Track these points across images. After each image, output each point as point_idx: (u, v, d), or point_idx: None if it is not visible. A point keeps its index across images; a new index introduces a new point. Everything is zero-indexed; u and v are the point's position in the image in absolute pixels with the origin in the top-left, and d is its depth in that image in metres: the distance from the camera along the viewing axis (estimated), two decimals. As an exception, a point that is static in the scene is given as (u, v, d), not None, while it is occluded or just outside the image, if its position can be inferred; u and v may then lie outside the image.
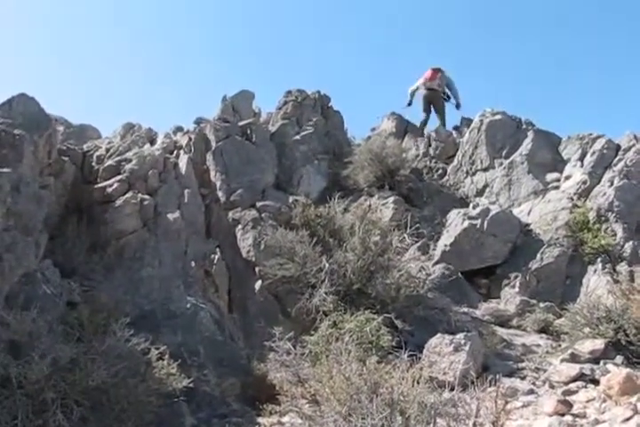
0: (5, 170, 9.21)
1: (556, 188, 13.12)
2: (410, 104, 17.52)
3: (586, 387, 7.85)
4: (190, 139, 13.74)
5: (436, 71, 17.05)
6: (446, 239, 12.40)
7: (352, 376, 6.13)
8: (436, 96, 17.07)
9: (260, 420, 7.85)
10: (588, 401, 7.37)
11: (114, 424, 6.91)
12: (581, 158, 13.27)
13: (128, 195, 11.61)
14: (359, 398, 5.81)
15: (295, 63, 49.73)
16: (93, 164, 12.72)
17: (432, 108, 17.17)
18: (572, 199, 12.42)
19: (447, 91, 17.18)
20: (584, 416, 6.92)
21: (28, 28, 48.33)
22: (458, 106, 17.30)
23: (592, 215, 11.88)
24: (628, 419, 6.39)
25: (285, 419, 7.63)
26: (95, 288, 10.14)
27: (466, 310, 11.14)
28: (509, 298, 11.46)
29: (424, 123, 17.22)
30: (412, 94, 17.34)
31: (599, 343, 8.87)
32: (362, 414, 5.63)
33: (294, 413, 7.43)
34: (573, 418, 6.85)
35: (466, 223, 12.30)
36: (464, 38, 51.09)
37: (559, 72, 47.58)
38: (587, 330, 9.47)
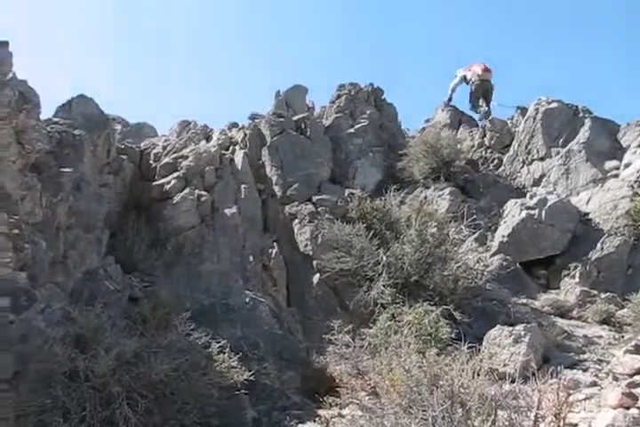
0: (67, 169, 9.44)
1: (616, 176, 12.83)
2: (450, 100, 17.44)
3: (652, 379, 7.70)
4: (245, 134, 13.87)
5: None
6: (504, 230, 12.27)
7: (412, 368, 6.13)
8: (490, 87, 16.96)
9: (320, 412, 7.89)
10: (654, 394, 7.22)
11: (177, 416, 7.03)
12: (641, 145, 12.99)
13: (185, 191, 11.80)
14: (419, 390, 5.81)
15: (348, 55, 49.58)
16: (151, 161, 12.96)
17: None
18: (633, 187, 12.12)
19: None
20: (650, 410, 6.78)
21: (86, 29, 49.19)
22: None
23: (654, 204, 11.60)
24: (697, 413, 6.26)
25: (346, 411, 7.65)
26: (156, 284, 10.33)
27: (525, 301, 11.04)
28: (569, 289, 11.30)
29: (488, 113, 17.02)
30: (454, 89, 17.27)
31: (664, 334, 8.70)
32: (422, 406, 5.63)
33: (354, 405, 7.45)
34: (639, 411, 6.72)
35: (523, 213, 12.15)
36: (520, 25, 50.30)
37: (615, 58, 46.51)
38: (651, 321, 9.31)
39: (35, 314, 7.42)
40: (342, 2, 48.17)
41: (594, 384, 7.87)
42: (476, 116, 16.97)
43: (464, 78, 16.99)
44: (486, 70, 16.79)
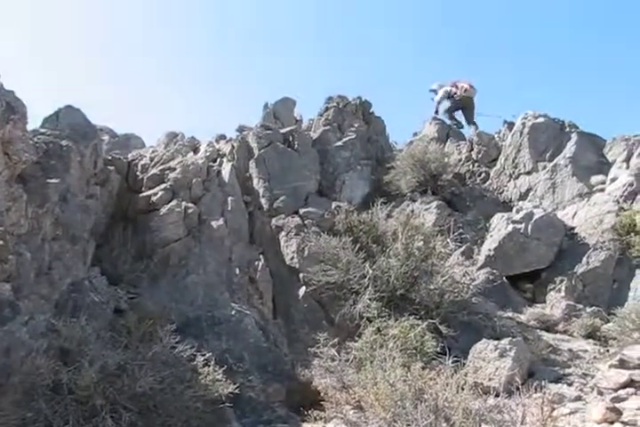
0: (53, 180, 9.40)
1: (602, 190, 12.92)
2: (437, 112, 17.69)
3: (636, 394, 7.67)
4: (233, 147, 13.85)
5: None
6: (490, 244, 12.31)
7: (396, 382, 6.13)
8: (472, 105, 17.19)
9: (305, 426, 7.87)
10: (638, 409, 7.21)
11: (161, 430, 7.00)
12: (627, 160, 13.06)
13: (172, 203, 11.77)
14: (403, 404, 5.81)
15: (336, 69, 49.82)
16: (138, 173, 12.92)
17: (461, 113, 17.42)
18: (619, 202, 12.21)
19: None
20: (634, 424, 6.77)
21: (78, 44, 49.29)
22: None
23: (639, 218, 11.65)
24: (680, 427, 6.27)
25: (330, 425, 7.63)
26: (141, 296, 10.29)
27: (511, 314, 11.06)
28: (555, 303, 11.33)
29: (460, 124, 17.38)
30: (440, 103, 17.54)
31: (649, 349, 8.70)
32: (406, 420, 5.63)
33: (339, 419, 7.44)
34: (623, 426, 6.73)
35: (510, 227, 12.20)
36: (507, 42, 50.69)
37: (602, 73, 46.90)
38: (636, 335, 9.31)
39: (18, 326, 7.38)
40: (334, 17, 48.46)
41: (578, 399, 7.87)
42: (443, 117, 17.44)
43: (448, 93, 17.21)
44: (471, 88, 17.06)
